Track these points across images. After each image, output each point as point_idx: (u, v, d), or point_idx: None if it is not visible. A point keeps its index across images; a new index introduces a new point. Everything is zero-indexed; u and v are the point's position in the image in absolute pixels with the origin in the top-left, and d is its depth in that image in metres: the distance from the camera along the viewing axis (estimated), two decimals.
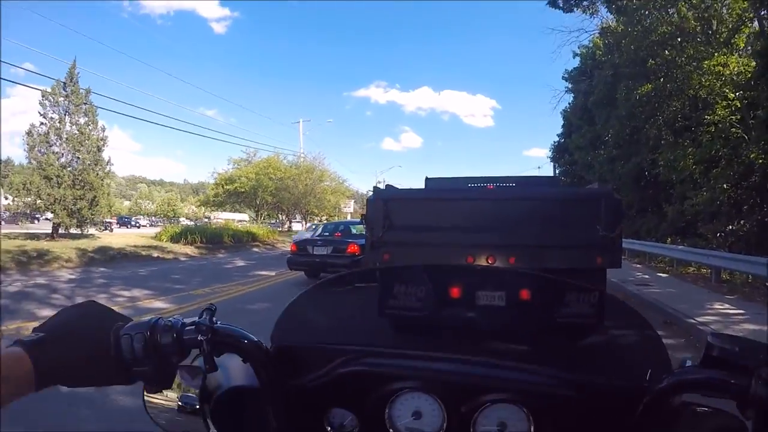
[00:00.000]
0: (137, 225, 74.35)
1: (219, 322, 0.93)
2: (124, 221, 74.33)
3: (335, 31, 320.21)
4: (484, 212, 6.28)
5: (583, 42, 29.22)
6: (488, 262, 5.96)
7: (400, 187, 8.21)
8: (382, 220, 6.38)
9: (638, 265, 19.01)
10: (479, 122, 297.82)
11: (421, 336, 1.33)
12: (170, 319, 0.90)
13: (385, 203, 6.46)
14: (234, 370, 1.08)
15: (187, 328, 0.89)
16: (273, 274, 16.19)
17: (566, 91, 38.04)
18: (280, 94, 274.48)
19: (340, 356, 1.06)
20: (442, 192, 7.32)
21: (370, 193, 7.37)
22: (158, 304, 10.41)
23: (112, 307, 0.91)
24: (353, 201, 60.20)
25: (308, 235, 17.86)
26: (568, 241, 5.86)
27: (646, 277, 14.89)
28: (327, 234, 15.77)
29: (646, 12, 19.76)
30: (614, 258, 5.97)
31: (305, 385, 1.04)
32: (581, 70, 35.17)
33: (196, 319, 0.92)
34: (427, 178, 8.81)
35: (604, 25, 25.63)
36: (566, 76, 38.05)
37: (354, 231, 15.36)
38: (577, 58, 35.47)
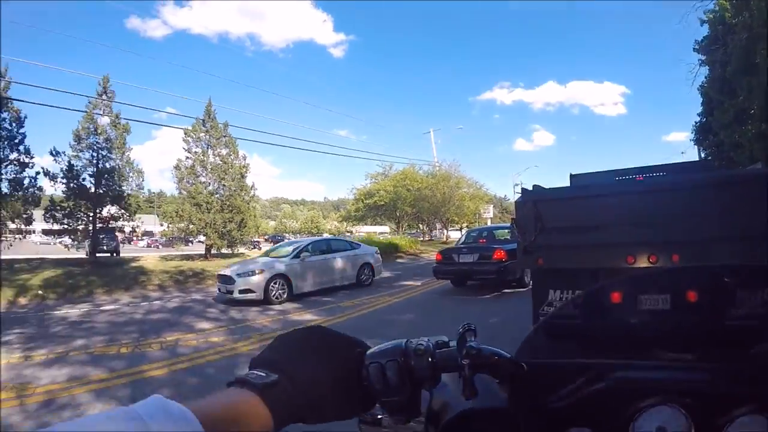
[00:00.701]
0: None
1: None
2: (276, 239, 77.83)
3: (451, 38, 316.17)
4: (641, 207, 5.68)
5: (708, 6, 27.19)
6: (650, 262, 5.53)
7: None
8: (534, 223, 6.14)
9: None
10: (610, 111, 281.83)
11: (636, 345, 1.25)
12: (420, 342, 0.84)
13: (536, 204, 6.21)
14: (457, 389, 0.95)
15: (439, 351, 0.84)
16: (418, 284, 16.20)
17: (700, 63, 35.57)
18: (406, 107, 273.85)
19: (585, 372, 0.98)
20: (593, 188, 6.68)
21: (514, 197, 7.09)
22: (308, 316, 10.75)
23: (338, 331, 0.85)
24: (492, 206, 58.85)
25: None
26: (736, 232, 5.19)
27: None
28: (471, 241, 15.47)
29: None
30: None
31: (549, 404, 0.97)
32: (712, 38, 32.62)
33: (444, 338, 0.88)
34: (571, 175, 8.30)
35: None
36: (697, 47, 35.57)
37: (499, 236, 15.17)
38: (705, 26, 33.12)
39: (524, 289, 12.65)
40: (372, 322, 9.78)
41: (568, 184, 7.96)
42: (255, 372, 0.73)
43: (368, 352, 0.83)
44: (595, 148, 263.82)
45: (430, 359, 0.82)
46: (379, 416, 1.00)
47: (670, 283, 1.21)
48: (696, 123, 41.06)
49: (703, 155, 37.73)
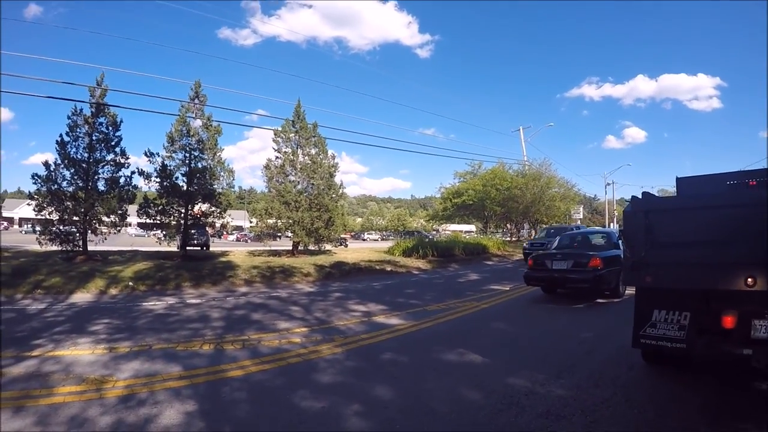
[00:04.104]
0: (364, 239, 78.82)
1: None
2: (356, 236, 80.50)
3: (537, 35, 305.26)
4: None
5: None
6: None
7: (634, 188, 6.93)
8: (644, 236, 5.59)
9: None
10: (704, 105, 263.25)
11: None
12: None
13: (647, 215, 5.65)
14: None
15: None
16: (507, 288, 15.70)
17: None
18: (494, 105, 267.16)
19: None
20: (714, 198, 5.79)
21: (605, 197, 6.51)
22: (394, 320, 10.32)
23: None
24: (582, 207, 57.78)
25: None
26: None
27: None
28: (565, 246, 14.78)
29: None
30: None
31: None
32: None
33: None
34: (678, 179, 7.54)
35: None
36: None
37: (595, 241, 14.55)
38: None
39: (618, 300, 12.43)
40: (462, 329, 9.45)
41: (674, 187, 7.22)
42: None
43: None
44: (688, 146, 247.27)
45: None
46: None
47: None
48: None
49: None
